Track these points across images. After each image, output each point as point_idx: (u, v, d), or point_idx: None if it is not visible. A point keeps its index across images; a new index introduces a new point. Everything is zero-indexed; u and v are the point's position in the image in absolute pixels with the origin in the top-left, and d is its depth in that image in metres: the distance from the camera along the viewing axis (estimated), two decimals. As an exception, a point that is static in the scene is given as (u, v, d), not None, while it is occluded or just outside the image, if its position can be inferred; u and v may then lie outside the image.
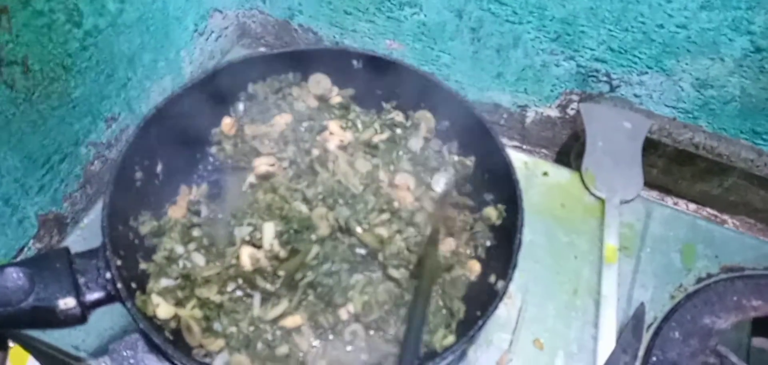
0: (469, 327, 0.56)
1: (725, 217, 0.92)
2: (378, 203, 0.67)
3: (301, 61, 0.76)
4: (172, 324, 0.56)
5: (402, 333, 0.60)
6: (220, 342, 0.57)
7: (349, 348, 0.60)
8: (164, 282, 0.59)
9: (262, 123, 0.75)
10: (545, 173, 0.84)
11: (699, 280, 0.74)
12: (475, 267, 0.67)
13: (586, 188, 0.82)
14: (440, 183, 0.73)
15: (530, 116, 0.96)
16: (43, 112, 0.68)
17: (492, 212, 0.69)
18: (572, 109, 0.93)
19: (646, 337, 0.68)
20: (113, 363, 0.53)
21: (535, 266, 0.74)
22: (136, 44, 0.80)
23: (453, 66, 0.94)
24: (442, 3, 0.86)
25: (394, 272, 0.63)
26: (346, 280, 0.62)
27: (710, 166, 0.86)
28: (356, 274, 0.63)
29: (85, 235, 0.74)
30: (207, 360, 0.56)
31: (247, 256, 0.61)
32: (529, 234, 0.73)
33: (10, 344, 0.71)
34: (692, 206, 0.93)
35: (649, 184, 0.91)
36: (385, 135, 0.75)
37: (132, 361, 0.53)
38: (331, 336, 0.61)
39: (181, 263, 0.62)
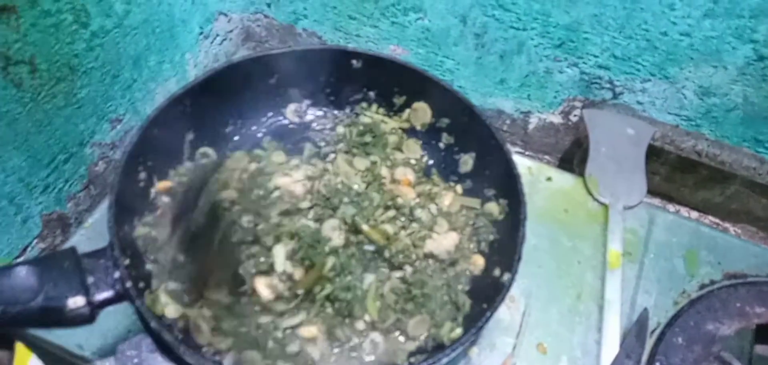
0: (475, 320, 0.56)
1: (727, 225, 0.92)
2: (382, 200, 0.67)
3: (301, 61, 0.76)
4: (180, 324, 0.56)
5: (412, 329, 0.61)
6: (230, 341, 0.57)
7: (367, 358, 0.60)
8: (172, 285, 0.58)
9: None
10: (549, 179, 0.84)
11: (702, 286, 0.74)
12: (479, 262, 0.67)
13: (590, 193, 0.82)
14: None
15: (533, 122, 0.96)
16: (48, 112, 0.68)
17: (494, 208, 0.69)
18: (575, 115, 0.93)
19: (650, 343, 0.68)
20: (117, 364, 0.53)
21: (539, 271, 0.74)
22: (141, 46, 0.80)
23: (456, 71, 0.94)
24: (446, 8, 0.87)
25: (399, 272, 0.63)
26: (361, 287, 0.61)
27: (712, 174, 0.86)
28: (368, 274, 0.63)
29: (89, 235, 0.74)
30: (217, 358, 0.56)
31: (263, 287, 0.59)
32: (533, 239, 0.73)
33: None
34: (694, 213, 0.93)
35: (651, 191, 0.91)
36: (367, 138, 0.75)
37: (136, 361, 0.52)
38: (347, 348, 0.60)
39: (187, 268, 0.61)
